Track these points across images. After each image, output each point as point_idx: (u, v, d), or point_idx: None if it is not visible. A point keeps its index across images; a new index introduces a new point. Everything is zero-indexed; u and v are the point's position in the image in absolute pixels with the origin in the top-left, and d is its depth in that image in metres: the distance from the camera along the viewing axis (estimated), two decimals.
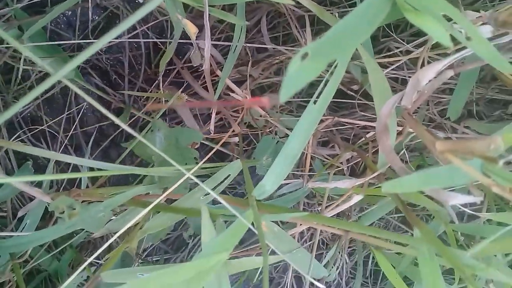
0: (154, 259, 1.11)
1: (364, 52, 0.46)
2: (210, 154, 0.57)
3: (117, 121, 0.36)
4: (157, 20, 0.91)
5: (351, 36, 0.31)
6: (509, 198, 0.33)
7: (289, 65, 0.27)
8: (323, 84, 0.43)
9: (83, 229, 0.79)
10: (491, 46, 0.37)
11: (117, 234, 0.42)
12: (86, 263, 0.44)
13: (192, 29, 0.51)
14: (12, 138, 0.82)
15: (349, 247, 1.20)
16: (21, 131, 0.86)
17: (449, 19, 0.37)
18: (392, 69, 0.76)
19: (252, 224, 0.45)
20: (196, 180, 0.41)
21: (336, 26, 0.30)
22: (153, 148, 0.39)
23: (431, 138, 0.39)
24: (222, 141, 0.62)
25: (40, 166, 0.95)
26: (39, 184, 0.69)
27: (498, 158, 0.33)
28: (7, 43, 0.71)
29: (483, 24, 0.47)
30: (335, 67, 0.43)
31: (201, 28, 0.61)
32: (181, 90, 0.66)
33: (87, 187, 0.79)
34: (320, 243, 1.24)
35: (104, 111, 0.35)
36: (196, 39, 0.60)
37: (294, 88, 0.26)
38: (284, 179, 0.72)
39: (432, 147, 0.39)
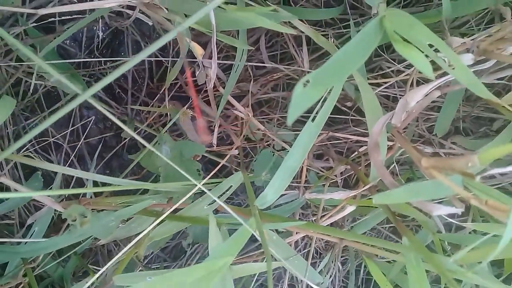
0: (154, 266, 1.15)
1: (357, 75, 0.50)
2: (216, 169, 0.61)
3: (136, 136, 0.40)
4: (160, 37, 0.96)
5: (347, 65, 0.35)
6: (485, 210, 0.37)
7: (294, 90, 0.31)
8: (320, 103, 0.48)
9: (89, 237, 0.82)
10: (471, 74, 0.41)
11: (132, 243, 0.46)
12: (103, 269, 0.47)
13: (199, 51, 0.55)
14: (22, 151, 0.85)
15: (341, 256, 1.24)
16: (29, 144, 0.90)
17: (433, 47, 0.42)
18: (383, 88, 0.81)
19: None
20: (207, 191, 0.45)
21: (334, 57, 0.34)
22: (167, 161, 0.43)
23: (417, 155, 0.44)
24: (227, 157, 0.66)
25: (44, 176, 0.98)
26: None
27: (475, 174, 0.37)
28: (21, 60, 0.74)
29: (466, 50, 0.52)
30: (332, 88, 0.47)
31: (204, 45, 0.65)
32: (186, 106, 0.71)
33: (91, 197, 0.82)
34: (314, 253, 1.28)
35: (125, 127, 0.38)
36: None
37: (298, 112, 0.30)
38: None
39: (418, 163, 0.43)
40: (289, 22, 0.58)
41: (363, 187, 0.59)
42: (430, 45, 0.42)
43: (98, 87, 0.36)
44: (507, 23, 0.47)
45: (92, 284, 0.79)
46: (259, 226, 0.46)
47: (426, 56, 0.40)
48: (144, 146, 0.73)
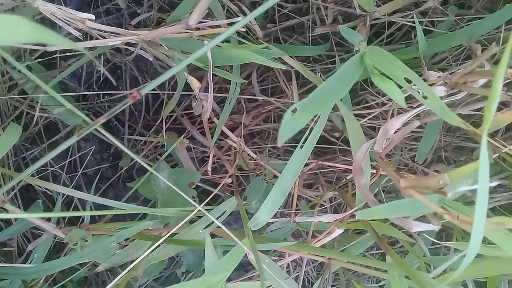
0: None
1: (342, 106, 0.55)
2: (211, 195, 0.64)
3: (137, 158, 0.44)
4: (157, 72, 1.01)
5: (330, 95, 0.40)
6: (457, 224, 0.41)
7: (283, 117, 0.36)
8: (308, 132, 0.52)
9: (86, 265, 0.84)
10: (442, 103, 0.46)
11: (132, 265, 0.49)
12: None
13: (196, 85, 0.59)
14: (21, 182, 0.88)
15: (332, 286, 1.26)
16: (29, 173, 0.93)
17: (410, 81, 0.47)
18: (368, 119, 0.86)
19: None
20: (206, 213, 0.48)
21: (319, 88, 0.39)
22: (168, 184, 0.47)
23: (396, 177, 0.48)
24: (222, 184, 0.69)
25: (44, 205, 1.00)
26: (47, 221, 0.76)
27: (447, 192, 0.41)
28: (25, 93, 0.78)
29: (442, 82, 0.57)
30: (318, 117, 0.52)
31: (199, 79, 0.70)
32: (183, 136, 0.75)
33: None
34: (306, 282, 1.30)
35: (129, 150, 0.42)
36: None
37: (287, 135, 0.34)
38: (273, 218, 0.80)
39: (398, 184, 0.47)
40: (280, 58, 0.63)
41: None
42: (407, 79, 0.46)
43: (103, 118, 0.40)
44: (476, 59, 0.52)
45: None
46: (253, 245, 0.49)
47: (401, 88, 0.44)
48: (141, 176, 0.77)
